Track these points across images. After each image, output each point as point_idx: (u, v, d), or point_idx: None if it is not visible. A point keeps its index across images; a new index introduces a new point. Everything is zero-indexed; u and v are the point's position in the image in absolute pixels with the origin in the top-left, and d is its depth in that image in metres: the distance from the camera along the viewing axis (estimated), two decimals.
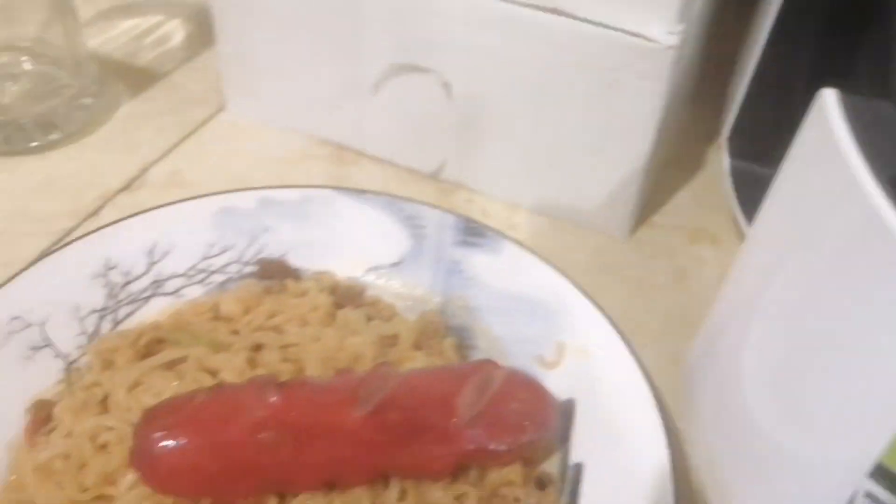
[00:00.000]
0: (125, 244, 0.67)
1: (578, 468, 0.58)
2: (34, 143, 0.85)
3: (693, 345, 0.65)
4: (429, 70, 0.78)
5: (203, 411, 0.50)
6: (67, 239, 0.77)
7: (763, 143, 0.78)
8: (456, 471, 0.55)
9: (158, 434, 0.49)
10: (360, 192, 0.72)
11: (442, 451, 0.53)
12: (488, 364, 0.56)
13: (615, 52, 0.68)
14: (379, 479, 0.54)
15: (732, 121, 0.79)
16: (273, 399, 0.51)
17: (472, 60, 0.75)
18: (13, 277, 0.63)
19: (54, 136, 0.86)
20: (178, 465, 0.49)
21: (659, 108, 0.71)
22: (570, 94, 0.72)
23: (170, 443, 0.49)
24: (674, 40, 0.67)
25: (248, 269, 0.69)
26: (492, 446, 0.54)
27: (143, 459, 0.50)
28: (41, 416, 0.59)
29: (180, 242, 0.68)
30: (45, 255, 0.66)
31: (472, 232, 0.69)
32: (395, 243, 0.70)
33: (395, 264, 0.70)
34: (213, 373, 0.60)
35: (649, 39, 0.67)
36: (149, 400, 0.58)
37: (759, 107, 0.77)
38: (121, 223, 0.68)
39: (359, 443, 0.51)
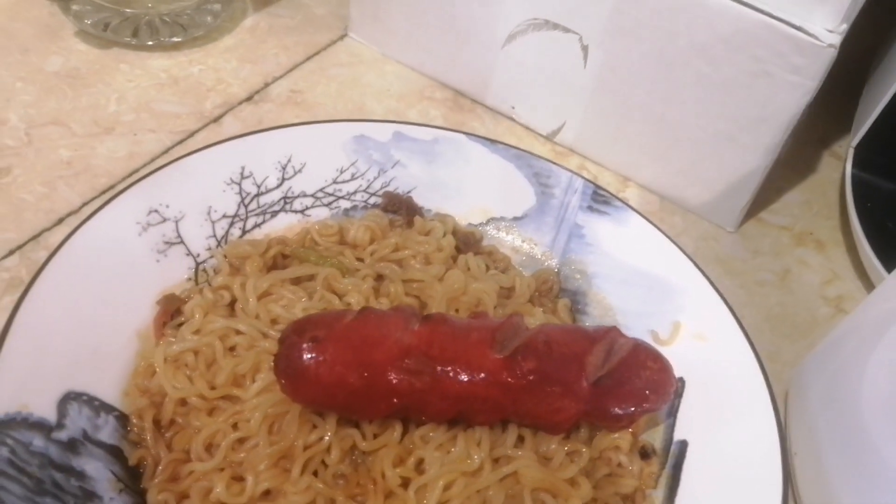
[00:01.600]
0: (261, 156, 0.68)
1: (683, 445, 0.59)
2: (160, 41, 0.85)
3: (809, 352, 0.65)
4: (570, 30, 0.77)
5: (353, 331, 0.51)
6: (190, 141, 0.78)
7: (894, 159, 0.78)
8: (572, 427, 0.56)
9: (308, 345, 0.50)
10: (491, 141, 0.72)
11: (566, 405, 0.54)
12: (615, 331, 0.57)
13: (772, 42, 0.67)
14: (500, 422, 0.55)
15: (864, 130, 0.78)
16: (418, 328, 0.52)
17: (617, 27, 0.74)
18: (153, 172, 0.64)
19: (180, 38, 0.86)
20: (323, 378, 0.50)
21: (803, 106, 0.70)
22: (714, 77, 0.72)
23: (319, 356, 0.50)
24: (834, 39, 0.66)
25: (374, 199, 0.70)
26: (613, 410, 0.55)
27: (289, 367, 0.51)
28: (170, 309, 0.61)
29: (313, 163, 0.69)
30: (171, 149, 0.67)
31: (600, 199, 0.69)
32: (520, 198, 0.71)
33: (517, 218, 0.71)
34: (340, 295, 0.61)
35: (810, 35, 0.66)
36: (278, 311, 0.60)
37: None
38: (259, 134, 0.68)
39: (493, 383, 0.52)
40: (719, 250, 0.79)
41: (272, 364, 0.54)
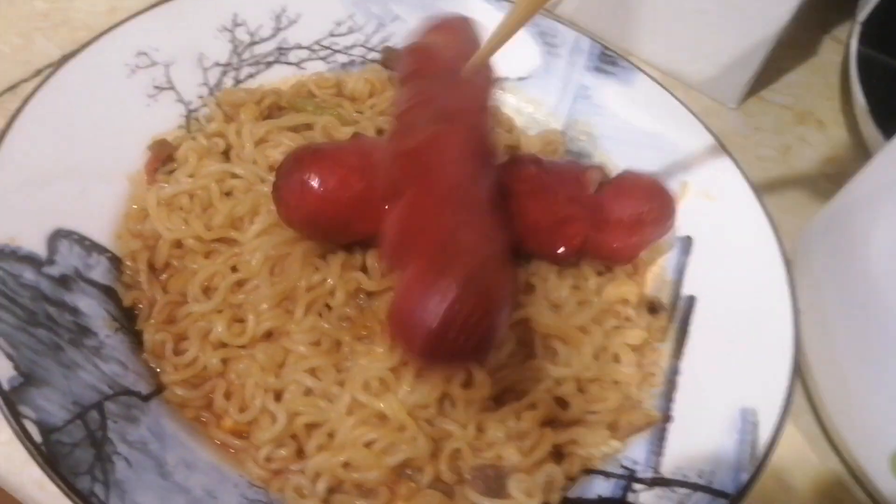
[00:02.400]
0: (254, 4, 0.64)
1: (691, 300, 0.58)
2: None
3: (817, 214, 0.64)
4: None
5: (351, 145, 0.50)
6: None
7: None
8: (581, 248, 0.55)
9: (311, 154, 0.48)
10: None
11: (573, 213, 0.53)
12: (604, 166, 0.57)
13: None
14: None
15: (872, 6, 0.76)
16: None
17: None
18: (140, 12, 0.60)
19: None
20: (326, 182, 0.48)
21: None
22: None
23: (321, 161, 0.48)
24: None
25: (372, 55, 0.67)
26: (618, 222, 0.55)
27: (292, 179, 0.48)
28: (161, 155, 0.58)
29: (308, 14, 0.65)
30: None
31: (607, 59, 0.67)
32: (524, 57, 0.68)
33: (521, 79, 0.68)
34: None
35: None
36: (276, 156, 0.57)
37: None
38: None
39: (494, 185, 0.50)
40: (720, 126, 0.78)
41: (271, 206, 0.52)
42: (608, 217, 0.54)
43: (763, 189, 0.73)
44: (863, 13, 0.78)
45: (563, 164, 0.55)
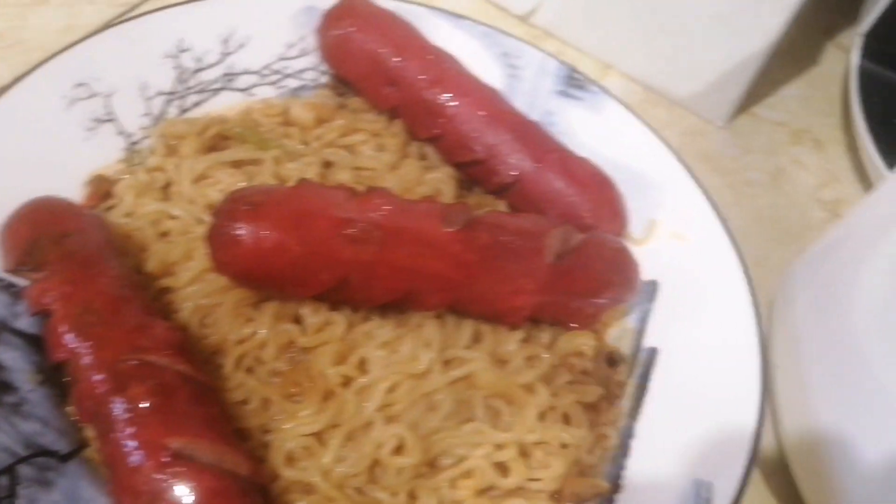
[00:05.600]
0: (200, 27, 0.61)
1: (653, 353, 0.55)
2: None
3: (799, 258, 0.60)
4: None
5: (293, 197, 0.46)
6: (132, 14, 0.71)
7: None
8: (533, 316, 0.52)
9: (246, 209, 0.45)
10: (456, 16, 0.65)
11: (525, 285, 0.49)
12: (571, 226, 0.53)
13: None
14: (454, 312, 0.51)
15: (876, 16, 0.71)
16: (361, 198, 0.47)
17: None
18: (79, 41, 0.58)
19: None
20: (262, 244, 0.45)
21: None
22: None
23: (257, 220, 0.45)
24: None
25: (325, 79, 0.64)
26: (576, 298, 0.51)
27: (225, 234, 0.45)
28: (100, 192, 0.56)
29: (258, 37, 0.62)
30: (112, 24, 0.61)
31: (575, 83, 0.63)
32: (486, 80, 0.64)
33: None
34: (282, 181, 0.56)
35: None
36: (215, 195, 0.55)
37: None
38: (198, 3, 0.61)
39: (445, 256, 0.47)
40: (706, 146, 0.73)
41: (206, 249, 0.49)
42: (566, 287, 0.50)
43: (750, 218, 0.69)
44: (865, 24, 0.72)
45: (525, 224, 0.51)
